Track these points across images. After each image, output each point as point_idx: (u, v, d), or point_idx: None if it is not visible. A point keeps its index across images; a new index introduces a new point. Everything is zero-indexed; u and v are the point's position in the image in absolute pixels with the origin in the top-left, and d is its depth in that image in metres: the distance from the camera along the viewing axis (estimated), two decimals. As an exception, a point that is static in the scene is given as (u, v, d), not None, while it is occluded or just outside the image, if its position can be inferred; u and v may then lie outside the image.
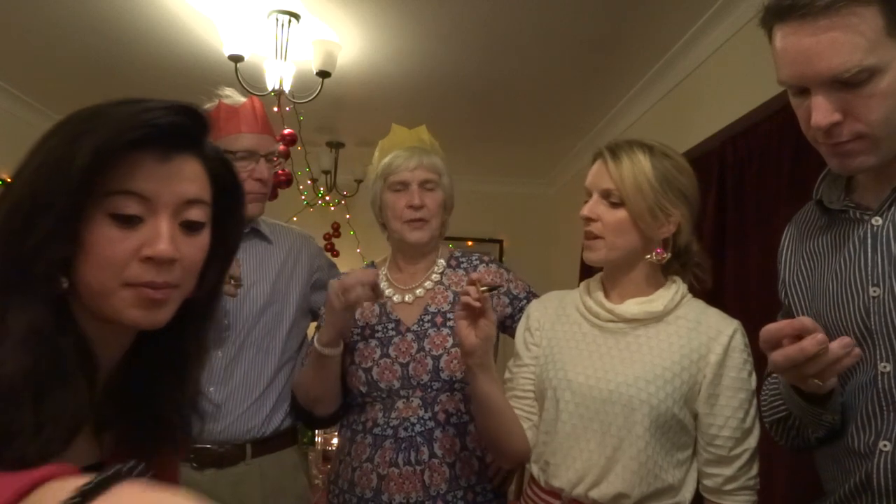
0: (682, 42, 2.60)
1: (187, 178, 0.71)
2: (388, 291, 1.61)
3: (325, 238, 4.43)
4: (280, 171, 2.61)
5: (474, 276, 1.28)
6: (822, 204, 1.08)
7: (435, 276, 1.62)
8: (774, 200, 1.92)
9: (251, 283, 1.59)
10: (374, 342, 1.56)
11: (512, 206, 5.19)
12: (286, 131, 2.97)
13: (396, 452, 1.48)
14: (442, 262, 1.65)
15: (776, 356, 0.88)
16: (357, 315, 1.59)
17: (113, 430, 0.74)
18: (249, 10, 2.52)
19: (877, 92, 0.89)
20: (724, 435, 1.20)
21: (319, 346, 1.48)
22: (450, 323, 1.55)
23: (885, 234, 0.97)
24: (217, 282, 0.81)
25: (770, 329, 0.88)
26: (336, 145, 4.40)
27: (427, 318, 1.57)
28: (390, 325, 1.57)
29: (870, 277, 0.97)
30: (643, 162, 1.23)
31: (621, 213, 1.25)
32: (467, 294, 1.24)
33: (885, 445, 0.93)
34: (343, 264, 2.25)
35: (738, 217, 2.14)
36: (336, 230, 4.54)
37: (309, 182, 4.23)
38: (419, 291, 1.60)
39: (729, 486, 1.21)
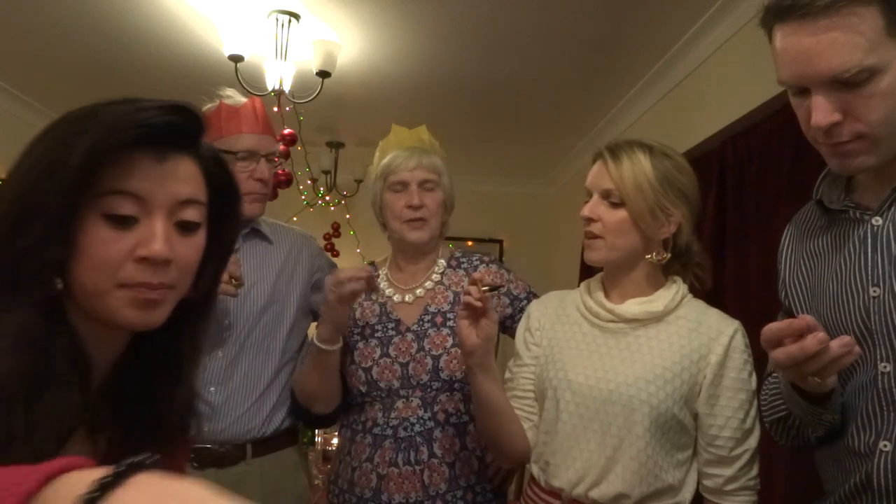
0: (682, 42, 2.60)
1: (182, 178, 0.71)
2: (388, 291, 1.61)
3: (325, 238, 4.44)
4: (280, 171, 2.61)
5: (476, 275, 1.28)
6: (822, 204, 1.08)
7: (435, 277, 1.62)
8: (774, 200, 1.92)
9: (252, 283, 1.59)
10: (374, 342, 1.56)
11: (512, 206, 5.19)
12: (286, 131, 2.98)
13: (396, 452, 1.48)
14: (442, 262, 1.65)
15: (777, 354, 0.88)
16: (357, 315, 1.60)
17: (108, 431, 0.73)
18: (249, 10, 2.52)
19: (877, 92, 0.89)
20: (724, 435, 1.20)
21: (317, 341, 1.48)
22: (450, 323, 1.55)
23: (885, 234, 0.97)
24: (213, 282, 0.81)
25: (771, 328, 0.88)
26: (336, 145, 4.40)
27: (427, 318, 1.57)
28: (390, 325, 1.57)
29: (870, 277, 0.97)
30: (643, 162, 1.23)
31: (622, 214, 1.25)
32: (469, 294, 1.24)
33: (885, 445, 0.93)
34: (343, 264, 2.25)
35: (738, 217, 2.14)
36: (336, 230, 4.54)
37: (309, 182, 4.23)
38: (419, 291, 1.60)
39: (729, 487, 1.21)
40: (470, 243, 4.90)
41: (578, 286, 1.40)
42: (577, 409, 1.24)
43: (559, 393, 1.26)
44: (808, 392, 0.96)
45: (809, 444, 1.11)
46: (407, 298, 1.60)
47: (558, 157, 4.56)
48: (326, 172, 4.32)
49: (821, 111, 0.92)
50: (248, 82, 2.58)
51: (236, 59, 2.54)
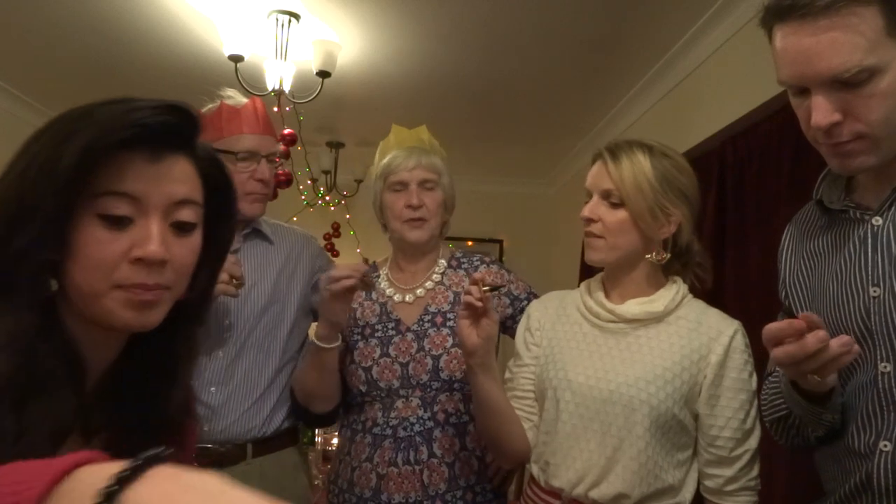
0: (682, 42, 2.60)
1: (178, 179, 0.70)
2: (388, 291, 1.62)
3: (325, 238, 4.44)
4: (280, 171, 2.61)
5: (477, 275, 1.28)
6: (822, 204, 1.08)
7: (436, 277, 1.62)
8: (774, 200, 1.92)
9: (252, 283, 1.59)
10: (374, 341, 1.56)
11: (512, 206, 5.18)
12: (286, 131, 2.97)
13: (396, 452, 1.48)
14: (443, 262, 1.65)
15: (777, 352, 0.89)
16: (358, 314, 1.60)
17: (103, 433, 0.73)
18: (249, 10, 2.52)
19: (877, 92, 0.89)
20: (724, 436, 1.20)
21: (315, 339, 1.48)
22: (450, 323, 1.55)
23: (885, 234, 0.97)
24: (209, 283, 0.80)
25: (772, 328, 0.88)
26: (336, 145, 4.40)
27: (427, 317, 1.57)
28: (390, 325, 1.57)
29: (870, 277, 0.97)
30: (643, 162, 1.23)
31: (622, 214, 1.24)
32: (470, 294, 1.24)
33: (885, 445, 0.93)
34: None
35: (738, 217, 2.14)
36: (336, 230, 4.54)
37: (309, 182, 4.23)
38: (420, 291, 1.60)
39: (730, 487, 1.21)
40: (470, 243, 4.90)
41: (578, 286, 1.40)
42: (577, 409, 1.24)
43: (559, 393, 1.26)
44: (808, 391, 0.96)
45: (809, 443, 1.11)
46: (407, 298, 1.60)
47: (558, 157, 4.56)
48: (326, 172, 4.32)
49: (821, 111, 0.92)
50: (248, 82, 2.58)
51: (236, 59, 2.54)
